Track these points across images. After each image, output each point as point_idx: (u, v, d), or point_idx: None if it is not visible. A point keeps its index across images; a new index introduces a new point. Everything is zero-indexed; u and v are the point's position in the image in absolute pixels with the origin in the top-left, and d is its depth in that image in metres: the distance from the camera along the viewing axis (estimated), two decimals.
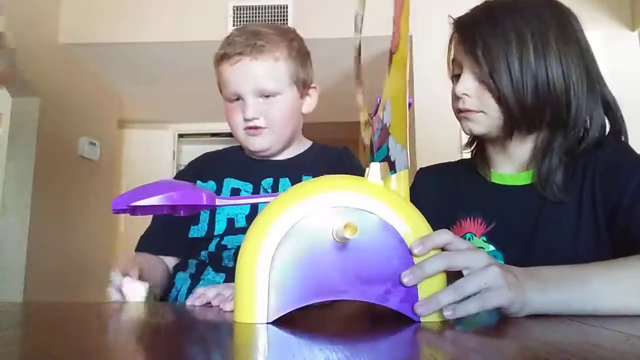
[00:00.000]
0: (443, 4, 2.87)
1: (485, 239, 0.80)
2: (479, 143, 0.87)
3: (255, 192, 0.92)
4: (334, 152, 1.01)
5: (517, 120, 0.74)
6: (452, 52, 0.81)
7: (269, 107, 0.88)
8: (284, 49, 0.89)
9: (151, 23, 2.87)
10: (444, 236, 0.51)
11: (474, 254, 0.51)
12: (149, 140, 4.40)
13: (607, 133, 0.77)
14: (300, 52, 0.92)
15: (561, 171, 0.75)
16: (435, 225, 0.53)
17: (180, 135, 4.57)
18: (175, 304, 0.82)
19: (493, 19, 0.75)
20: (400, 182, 0.53)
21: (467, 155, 0.93)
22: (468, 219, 0.82)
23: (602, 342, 0.42)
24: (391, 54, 0.55)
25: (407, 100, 0.49)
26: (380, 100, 0.60)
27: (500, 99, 0.73)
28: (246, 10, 2.86)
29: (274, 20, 2.84)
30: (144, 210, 0.58)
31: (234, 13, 2.86)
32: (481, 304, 0.48)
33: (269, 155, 0.95)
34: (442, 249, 0.51)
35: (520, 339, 0.46)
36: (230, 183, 0.93)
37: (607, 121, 0.77)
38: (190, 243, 0.93)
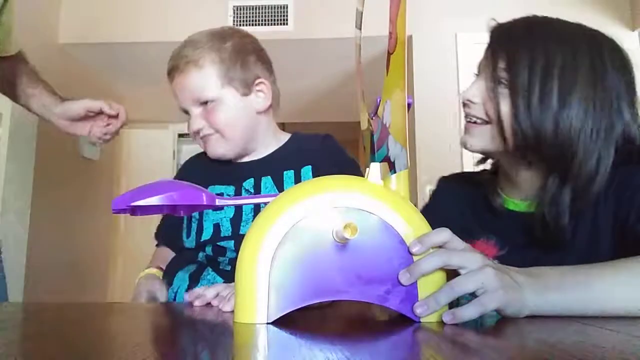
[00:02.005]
0: (442, 4, 2.88)
1: (497, 262, 0.78)
2: (493, 168, 0.84)
3: (237, 194, 0.92)
4: (316, 140, 0.98)
5: (511, 141, 0.71)
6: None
7: (209, 113, 0.89)
8: (209, 53, 0.89)
9: (151, 23, 2.87)
10: (443, 235, 0.51)
11: (470, 254, 0.51)
12: (149, 140, 4.40)
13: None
14: (235, 52, 0.91)
15: (570, 220, 0.70)
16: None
17: (180, 135, 4.57)
18: (175, 304, 0.82)
19: (528, 37, 0.72)
20: (400, 182, 0.53)
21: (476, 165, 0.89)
22: (483, 239, 0.80)
23: (602, 342, 0.42)
24: (389, 54, 0.55)
25: (407, 100, 0.49)
26: (380, 100, 0.60)
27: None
28: (246, 10, 2.86)
29: (274, 20, 2.84)
30: (144, 210, 0.58)
31: (234, 13, 2.86)
32: (480, 309, 0.48)
33: (230, 158, 0.94)
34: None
35: (520, 339, 0.46)
36: (213, 190, 0.92)
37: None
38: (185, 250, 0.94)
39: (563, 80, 0.68)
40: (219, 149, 0.91)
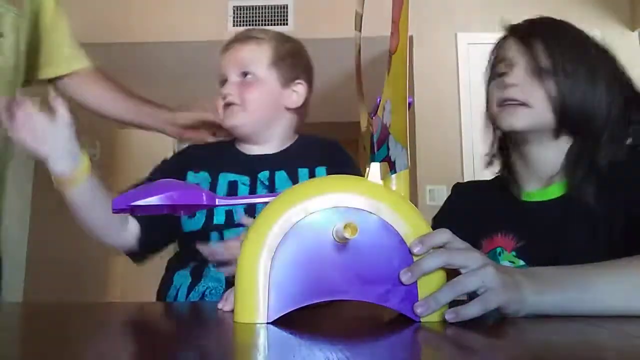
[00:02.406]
0: (443, 4, 2.88)
1: (515, 254, 0.80)
2: (505, 162, 0.87)
3: (252, 184, 0.94)
4: (326, 144, 1.03)
5: (553, 117, 0.77)
6: (499, 53, 0.83)
7: (245, 86, 0.94)
8: (272, 41, 0.97)
9: (151, 23, 2.87)
10: (443, 235, 0.51)
11: (471, 253, 0.51)
12: (149, 140, 4.39)
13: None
14: (291, 52, 0.99)
15: (593, 180, 0.75)
16: (468, 237, 0.53)
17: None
18: (176, 304, 0.81)
19: (553, 28, 0.81)
20: (400, 182, 0.53)
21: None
22: (500, 234, 0.83)
23: (602, 342, 0.42)
24: (390, 54, 0.55)
25: (407, 100, 0.49)
26: (380, 100, 0.60)
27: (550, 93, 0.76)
28: (246, 10, 2.87)
29: (274, 20, 2.85)
30: (144, 210, 0.58)
31: (234, 13, 2.86)
32: (482, 307, 0.48)
33: (243, 135, 0.97)
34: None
35: (520, 339, 0.46)
36: (227, 177, 0.94)
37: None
38: (186, 239, 0.92)
39: (589, 68, 0.77)
40: (236, 119, 0.95)
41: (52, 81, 1.15)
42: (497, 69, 0.82)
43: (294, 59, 0.99)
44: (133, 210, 0.58)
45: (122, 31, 2.85)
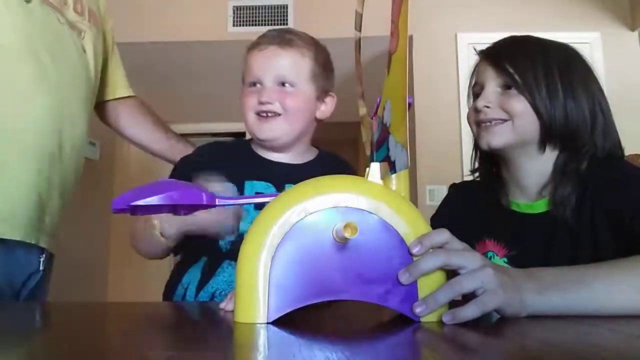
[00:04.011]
0: (442, 4, 2.88)
1: (506, 260, 0.81)
2: (495, 172, 0.88)
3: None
4: (343, 163, 1.04)
5: (531, 130, 0.78)
6: (476, 77, 0.85)
7: (284, 94, 0.92)
8: (312, 50, 0.95)
9: (151, 23, 2.87)
10: (442, 235, 0.51)
11: (469, 254, 0.51)
12: None
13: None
14: (325, 63, 0.99)
15: (575, 195, 0.76)
16: (462, 238, 0.54)
17: (180, 135, 4.55)
18: (176, 304, 0.81)
19: (521, 45, 0.82)
20: (400, 182, 0.53)
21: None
22: (492, 240, 0.84)
23: (602, 342, 0.42)
24: (390, 54, 0.55)
25: (407, 100, 0.49)
26: (380, 100, 0.60)
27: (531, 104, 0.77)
28: (246, 10, 2.87)
29: (274, 20, 2.85)
30: (144, 210, 0.58)
31: (234, 13, 2.86)
32: (479, 309, 0.48)
33: (276, 146, 0.95)
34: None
35: (520, 339, 0.46)
36: (253, 186, 0.92)
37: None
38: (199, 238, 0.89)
39: (562, 78, 0.78)
40: (279, 130, 0.92)
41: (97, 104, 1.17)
42: (473, 93, 0.86)
43: (328, 71, 0.99)
44: (133, 210, 0.58)
45: (122, 31, 2.85)
